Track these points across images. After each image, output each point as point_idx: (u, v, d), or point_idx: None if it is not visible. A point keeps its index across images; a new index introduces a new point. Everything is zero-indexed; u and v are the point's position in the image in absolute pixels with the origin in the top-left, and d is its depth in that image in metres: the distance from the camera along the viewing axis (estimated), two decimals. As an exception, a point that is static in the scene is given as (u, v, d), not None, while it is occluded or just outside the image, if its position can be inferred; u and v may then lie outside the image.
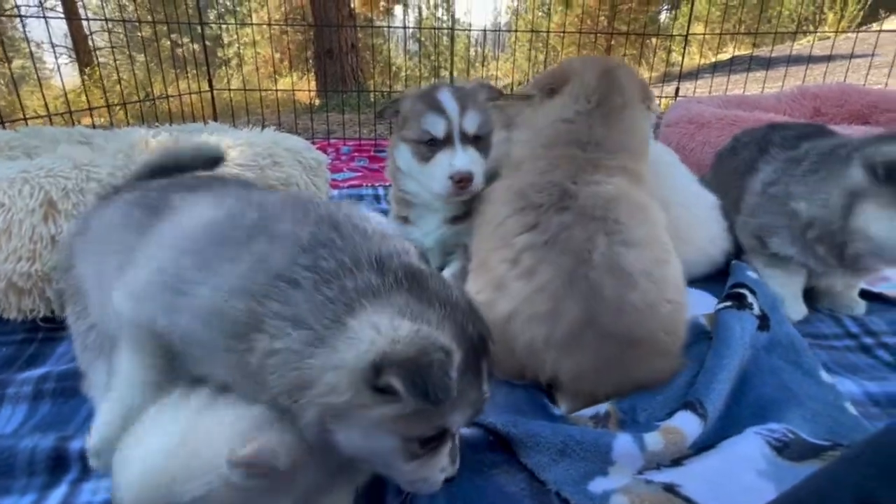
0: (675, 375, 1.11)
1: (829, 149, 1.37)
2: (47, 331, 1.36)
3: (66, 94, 3.43)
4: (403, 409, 0.61)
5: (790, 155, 1.47)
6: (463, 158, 1.35)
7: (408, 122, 1.42)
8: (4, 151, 1.76)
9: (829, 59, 4.14)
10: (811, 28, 7.66)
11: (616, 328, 1.00)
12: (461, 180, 1.34)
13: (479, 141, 1.39)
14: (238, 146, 1.58)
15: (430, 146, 1.38)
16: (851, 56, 3.99)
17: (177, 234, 0.77)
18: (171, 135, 1.57)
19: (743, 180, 1.58)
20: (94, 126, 3.90)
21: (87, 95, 3.76)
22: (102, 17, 3.87)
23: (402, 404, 0.60)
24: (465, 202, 1.44)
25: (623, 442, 0.92)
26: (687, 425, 0.96)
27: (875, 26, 6.92)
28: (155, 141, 1.47)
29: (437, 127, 1.36)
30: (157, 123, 2.91)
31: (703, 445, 0.95)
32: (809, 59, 3.95)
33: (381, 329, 0.60)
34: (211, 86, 3.89)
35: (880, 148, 1.19)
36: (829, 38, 6.21)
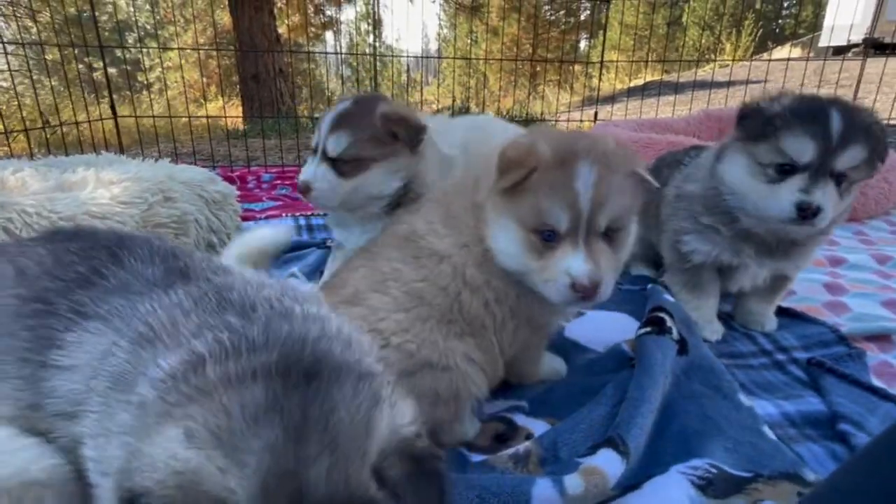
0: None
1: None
2: None
3: None
4: None
5: (694, 162, 1.52)
6: (307, 170, 1.54)
7: None
8: None
9: (728, 84, 4.50)
10: (712, 57, 8.39)
11: None
12: (301, 189, 1.54)
13: (344, 162, 1.52)
14: (122, 182, 1.41)
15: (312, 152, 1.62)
16: (747, 82, 4.36)
17: (72, 400, 0.61)
18: (37, 170, 1.36)
19: (660, 196, 1.60)
20: None
21: None
22: (2, 41, 3.48)
23: None
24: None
25: (542, 488, 0.86)
26: (608, 465, 0.90)
27: (765, 56, 7.69)
28: (13, 178, 1.27)
29: (314, 141, 1.57)
30: (57, 154, 2.62)
31: (628, 485, 0.91)
32: (712, 85, 4.27)
33: (166, 452, 0.45)
34: (114, 112, 3.59)
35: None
36: (727, 65, 6.81)
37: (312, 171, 1.53)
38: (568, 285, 0.93)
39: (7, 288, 0.67)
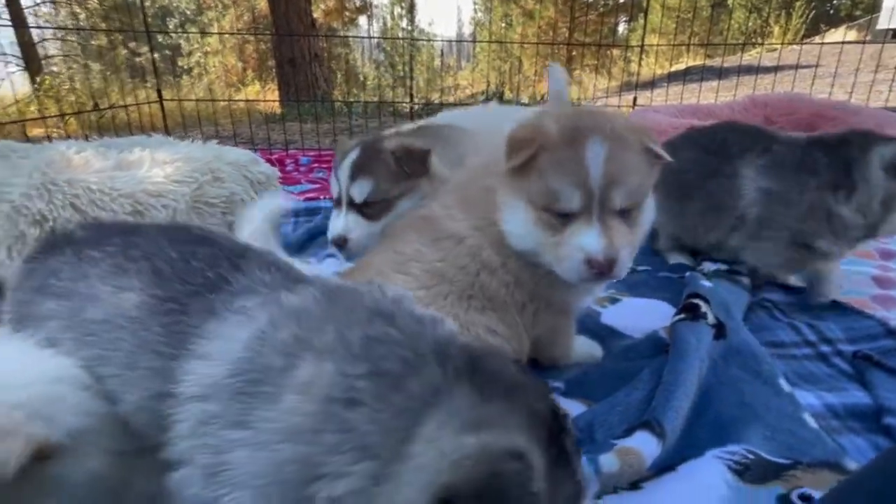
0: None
1: (821, 152, 1.46)
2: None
3: (16, 103, 3.24)
4: None
5: (773, 159, 1.51)
6: (338, 223, 1.55)
7: None
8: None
9: (776, 69, 4.30)
10: (759, 40, 8.01)
11: None
12: (335, 243, 1.53)
13: (370, 206, 1.53)
14: (174, 161, 1.48)
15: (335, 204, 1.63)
16: (797, 67, 4.16)
17: (206, 383, 0.62)
18: (97, 150, 1.44)
19: (716, 184, 1.59)
20: (49, 137, 3.68)
21: (37, 104, 3.55)
22: (53, 26, 3.68)
23: None
24: None
25: (577, 465, 0.87)
26: (645, 446, 0.92)
27: (817, 39, 7.29)
28: (78, 157, 1.35)
29: (334, 190, 1.60)
30: (106, 135, 2.75)
31: (663, 466, 0.92)
32: (759, 70, 4.09)
33: (444, 450, 0.49)
34: (160, 96, 3.72)
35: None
36: (776, 49, 6.50)
37: (343, 224, 1.53)
38: (583, 262, 0.92)
39: (146, 286, 0.71)
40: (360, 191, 1.52)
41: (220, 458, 0.57)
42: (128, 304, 0.70)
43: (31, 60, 7.51)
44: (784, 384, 1.09)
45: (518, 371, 0.58)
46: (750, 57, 6.39)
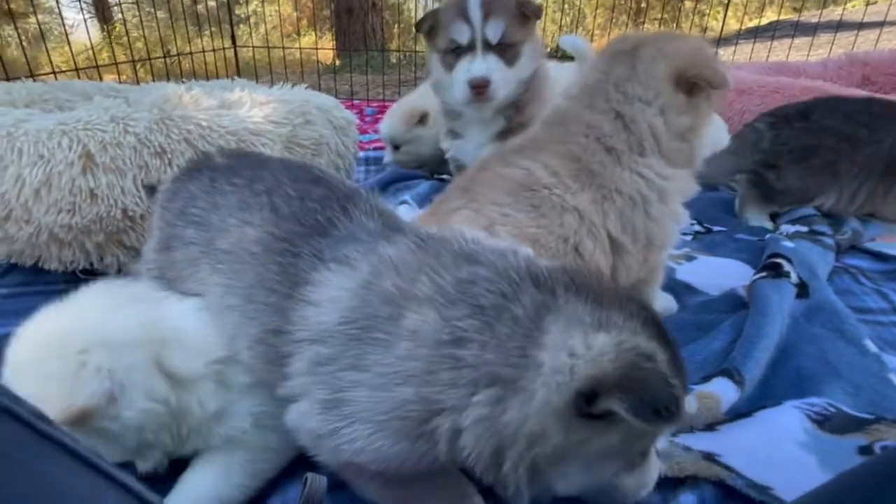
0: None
1: None
2: (86, 282, 1.38)
3: (93, 49, 3.43)
4: (629, 431, 0.54)
5: None
6: (480, 65, 1.43)
7: (440, 32, 1.51)
8: (38, 104, 1.77)
9: (882, 24, 3.87)
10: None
11: None
12: (477, 87, 1.42)
13: (503, 49, 1.44)
14: (270, 103, 1.56)
15: (455, 54, 1.48)
16: (905, 22, 3.73)
17: (318, 329, 0.65)
18: (203, 90, 1.54)
19: None
20: (120, 82, 3.88)
21: (113, 51, 3.74)
22: None
23: (627, 426, 0.52)
24: (509, 117, 1.53)
25: (656, 407, 0.92)
26: (723, 391, 0.95)
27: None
28: (188, 95, 1.46)
29: (462, 34, 1.45)
30: (182, 80, 2.89)
31: (739, 412, 0.94)
32: (861, 26, 3.71)
33: (575, 351, 0.53)
34: (234, 43, 3.83)
35: None
36: (877, 2, 5.84)
37: (484, 65, 1.43)
38: None
39: (265, 222, 0.74)
40: (495, 30, 1.42)
41: (337, 395, 0.61)
42: (249, 238, 0.74)
43: (102, 8, 7.81)
44: (870, 344, 1.08)
45: (615, 283, 0.61)
46: (848, 11, 5.77)
